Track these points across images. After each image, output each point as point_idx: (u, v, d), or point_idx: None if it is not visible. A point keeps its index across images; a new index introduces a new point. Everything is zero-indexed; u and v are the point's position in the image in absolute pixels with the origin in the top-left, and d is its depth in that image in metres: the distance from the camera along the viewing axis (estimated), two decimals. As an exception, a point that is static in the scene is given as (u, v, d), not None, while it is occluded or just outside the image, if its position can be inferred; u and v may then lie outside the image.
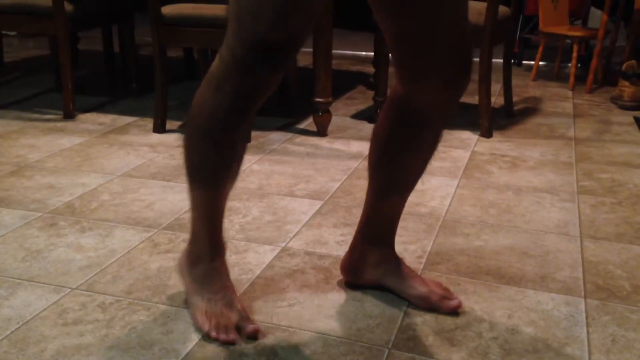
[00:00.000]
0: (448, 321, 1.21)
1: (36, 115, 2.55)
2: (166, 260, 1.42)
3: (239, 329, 1.14)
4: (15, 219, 1.61)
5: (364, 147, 2.16)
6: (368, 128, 2.43)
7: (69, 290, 1.29)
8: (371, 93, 2.89)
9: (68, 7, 2.42)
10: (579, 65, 3.57)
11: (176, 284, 1.32)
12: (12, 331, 1.15)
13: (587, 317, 1.24)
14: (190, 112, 1.09)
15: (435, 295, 1.24)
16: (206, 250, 1.18)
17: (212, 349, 1.12)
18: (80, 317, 1.20)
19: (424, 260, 1.44)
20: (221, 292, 1.17)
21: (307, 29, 1.00)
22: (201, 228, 1.18)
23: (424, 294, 1.25)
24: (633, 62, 2.90)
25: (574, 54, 3.18)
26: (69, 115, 2.51)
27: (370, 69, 3.44)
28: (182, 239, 1.52)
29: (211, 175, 1.11)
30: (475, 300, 1.29)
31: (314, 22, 1.01)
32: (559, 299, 1.30)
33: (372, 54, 3.07)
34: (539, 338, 1.17)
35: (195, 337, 1.14)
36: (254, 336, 1.14)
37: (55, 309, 1.23)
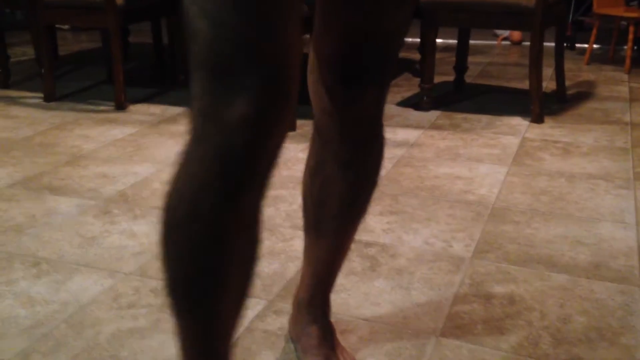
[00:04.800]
0: (497, 310, 1.20)
1: (90, 107, 2.63)
2: (215, 247, 1.45)
3: None
4: (71, 207, 1.67)
5: (409, 135, 2.13)
6: (414, 115, 2.40)
7: (123, 275, 1.33)
8: (417, 80, 2.86)
9: (119, 0, 2.48)
10: (635, 47, 3.44)
11: (225, 270, 1.34)
12: (70, 315, 1.20)
13: (643, 307, 1.20)
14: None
15: None
16: None
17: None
18: (134, 301, 1.24)
19: (472, 249, 1.42)
20: None
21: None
22: None
23: None
24: (694, 43, 2.78)
25: (630, 36, 3.06)
26: (120, 107, 2.58)
27: (416, 56, 3.40)
28: (230, 227, 1.54)
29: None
30: (526, 288, 1.27)
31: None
32: (613, 288, 1.26)
33: (419, 40, 3.04)
34: (592, 327, 1.14)
35: (250, 314, 1.16)
36: None
37: (110, 293, 1.27)
